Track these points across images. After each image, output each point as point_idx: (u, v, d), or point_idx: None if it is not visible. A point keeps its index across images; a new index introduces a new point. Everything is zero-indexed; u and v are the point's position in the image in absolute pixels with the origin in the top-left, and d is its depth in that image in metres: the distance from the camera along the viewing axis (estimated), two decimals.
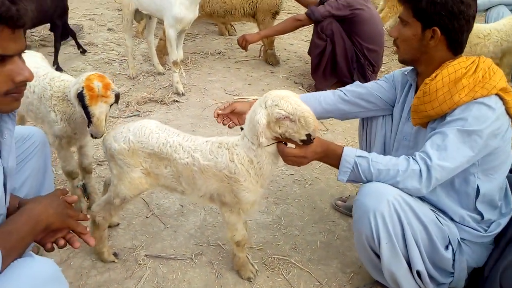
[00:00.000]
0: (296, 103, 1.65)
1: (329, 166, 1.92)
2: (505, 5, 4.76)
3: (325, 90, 2.46)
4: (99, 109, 1.95)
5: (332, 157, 1.82)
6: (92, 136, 2.03)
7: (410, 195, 1.74)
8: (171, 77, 4.07)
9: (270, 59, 4.87)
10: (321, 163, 1.94)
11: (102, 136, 2.02)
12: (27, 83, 1.32)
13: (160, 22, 4.20)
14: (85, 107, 1.94)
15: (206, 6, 4.55)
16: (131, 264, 2.17)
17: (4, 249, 1.20)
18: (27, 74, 1.28)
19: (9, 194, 1.42)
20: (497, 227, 1.85)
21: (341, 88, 2.26)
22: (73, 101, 2.00)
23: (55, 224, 1.39)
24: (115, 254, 2.18)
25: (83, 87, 1.92)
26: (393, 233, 1.71)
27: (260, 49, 4.91)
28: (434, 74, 1.78)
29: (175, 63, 3.94)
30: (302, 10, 4.71)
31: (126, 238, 2.33)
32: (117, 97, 2.01)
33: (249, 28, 5.90)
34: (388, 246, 1.73)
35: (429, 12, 1.73)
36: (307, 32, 5.57)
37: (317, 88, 4.06)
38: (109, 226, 2.27)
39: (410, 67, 2.01)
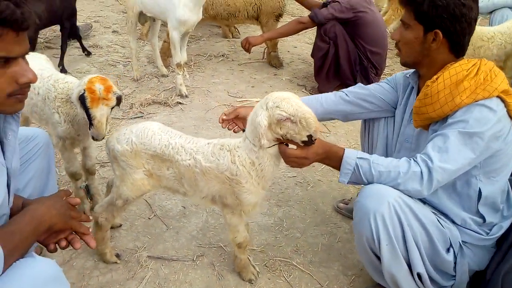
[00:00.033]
0: (297, 105, 1.65)
1: (331, 168, 1.92)
2: (509, 8, 4.75)
3: (328, 92, 2.46)
4: (100, 112, 1.95)
5: (333, 159, 1.82)
6: (93, 138, 2.04)
7: (411, 197, 1.74)
8: (175, 79, 4.08)
9: (274, 62, 4.88)
10: (323, 165, 1.95)
11: (103, 138, 2.02)
12: (32, 84, 1.33)
13: (164, 24, 4.21)
14: (86, 110, 1.95)
15: (210, 9, 4.56)
16: (133, 265, 2.18)
17: (6, 249, 1.21)
18: (31, 75, 1.29)
19: (12, 195, 1.43)
20: (499, 230, 1.85)
21: (343, 90, 2.27)
22: (75, 103, 2.01)
23: (58, 225, 1.40)
24: (117, 255, 2.19)
25: (84, 90, 1.93)
26: (393, 235, 1.70)
27: (264, 52, 4.92)
28: (435, 76, 1.78)
29: (178, 65, 3.96)
30: (306, 13, 4.71)
31: (129, 239, 2.34)
32: (119, 99, 2.01)
33: (253, 30, 5.91)
34: (388, 248, 1.72)
35: (431, 15, 1.73)
36: (311, 34, 5.57)
37: (320, 91, 4.05)
38: (112, 227, 2.28)
39: (412, 70, 2.01)
